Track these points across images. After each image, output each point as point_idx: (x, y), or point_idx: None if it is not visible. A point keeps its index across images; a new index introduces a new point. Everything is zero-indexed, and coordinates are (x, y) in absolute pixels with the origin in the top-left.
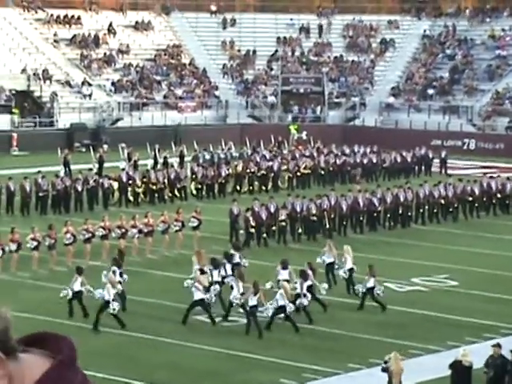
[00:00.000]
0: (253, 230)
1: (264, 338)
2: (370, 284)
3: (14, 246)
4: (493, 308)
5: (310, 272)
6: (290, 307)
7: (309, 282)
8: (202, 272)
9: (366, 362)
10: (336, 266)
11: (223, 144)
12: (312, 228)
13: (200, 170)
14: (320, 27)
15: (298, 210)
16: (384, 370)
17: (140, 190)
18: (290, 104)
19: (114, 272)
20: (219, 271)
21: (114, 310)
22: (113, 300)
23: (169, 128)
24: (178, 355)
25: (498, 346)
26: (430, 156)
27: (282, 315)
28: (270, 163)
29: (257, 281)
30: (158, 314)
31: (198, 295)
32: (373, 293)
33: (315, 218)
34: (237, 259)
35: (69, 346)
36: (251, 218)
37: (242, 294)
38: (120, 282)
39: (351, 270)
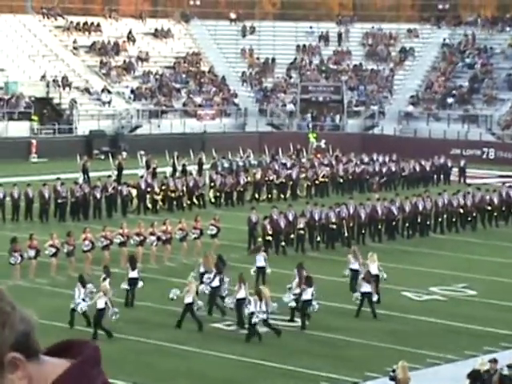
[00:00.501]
0: (270, 238)
1: (280, 346)
2: (365, 289)
3: (32, 253)
4: (511, 317)
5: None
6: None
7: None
8: (202, 275)
9: (383, 371)
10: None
11: (242, 152)
12: (330, 236)
13: (219, 177)
14: (339, 35)
15: (317, 218)
16: (391, 378)
17: (158, 198)
18: (307, 112)
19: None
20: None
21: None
22: (104, 309)
23: (194, 136)
24: (195, 363)
25: (495, 361)
26: (449, 165)
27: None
28: (289, 171)
29: (259, 288)
30: (176, 321)
31: (188, 299)
32: (370, 298)
33: (334, 227)
34: (262, 262)
35: (92, 348)
36: (268, 226)
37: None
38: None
39: (376, 277)
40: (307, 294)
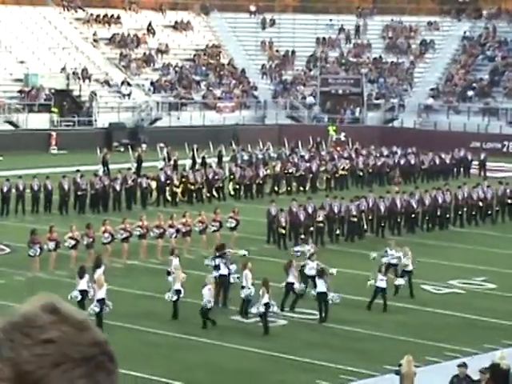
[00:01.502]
0: (283, 231)
1: (300, 339)
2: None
3: (52, 245)
4: None
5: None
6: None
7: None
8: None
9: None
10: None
11: (261, 144)
12: (350, 229)
13: (238, 170)
14: (357, 28)
15: (336, 211)
16: (397, 373)
17: (178, 190)
18: (327, 105)
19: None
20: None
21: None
22: (97, 301)
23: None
24: (214, 355)
25: (464, 365)
26: (469, 158)
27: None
28: (308, 164)
29: (266, 279)
30: (195, 313)
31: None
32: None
33: (355, 219)
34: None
35: None
36: (282, 219)
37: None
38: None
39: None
40: (321, 286)
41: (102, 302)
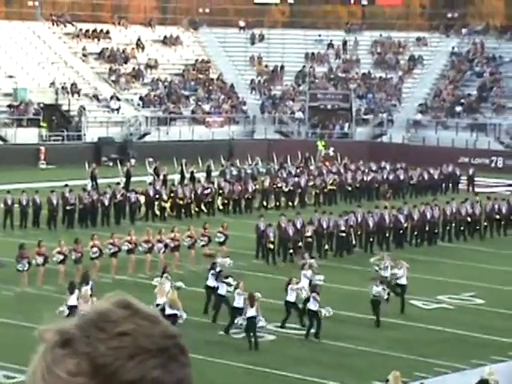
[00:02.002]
0: (271, 246)
1: (289, 355)
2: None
3: (40, 260)
4: None
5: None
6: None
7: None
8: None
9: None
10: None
11: (250, 159)
12: (339, 244)
13: (227, 185)
14: (344, 43)
15: (325, 226)
16: None
17: (167, 205)
18: (315, 120)
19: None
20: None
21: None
22: None
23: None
24: (199, 371)
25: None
26: (458, 173)
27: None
28: (297, 179)
29: (252, 293)
30: (185, 329)
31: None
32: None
33: (343, 235)
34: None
35: None
36: (271, 234)
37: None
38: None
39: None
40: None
41: None
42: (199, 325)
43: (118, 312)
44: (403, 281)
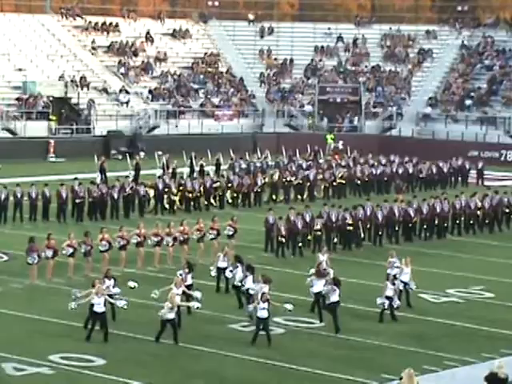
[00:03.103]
0: (283, 240)
1: (297, 348)
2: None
3: (50, 253)
4: None
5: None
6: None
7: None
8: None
9: (399, 373)
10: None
11: (259, 153)
12: (347, 238)
13: (236, 178)
14: (355, 40)
15: (334, 219)
16: None
17: (176, 198)
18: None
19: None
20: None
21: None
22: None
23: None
24: (213, 364)
25: None
26: (467, 167)
27: None
28: (306, 172)
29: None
30: (194, 322)
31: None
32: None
33: (351, 228)
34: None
35: None
36: (282, 228)
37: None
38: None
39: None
40: (335, 296)
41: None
42: (208, 318)
43: None
44: (406, 278)
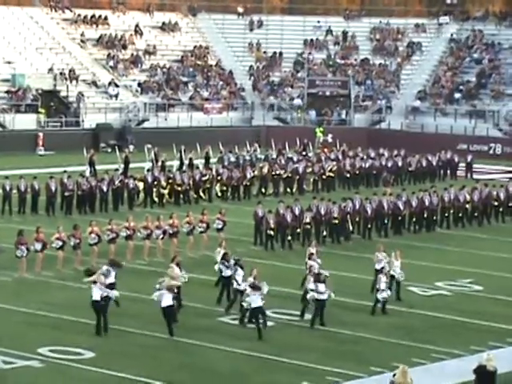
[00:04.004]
0: (271, 233)
1: (287, 341)
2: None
3: (38, 246)
4: None
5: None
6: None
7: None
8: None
9: (389, 366)
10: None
11: (248, 146)
12: (337, 231)
13: (225, 171)
14: (344, 34)
15: (323, 212)
16: (391, 383)
17: (165, 191)
18: (314, 107)
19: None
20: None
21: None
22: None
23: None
24: (199, 356)
25: None
26: (456, 160)
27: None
28: (296, 166)
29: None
30: (183, 315)
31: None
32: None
33: (336, 222)
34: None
35: None
36: (271, 221)
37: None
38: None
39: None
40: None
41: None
42: (197, 311)
43: None
44: (397, 271)
